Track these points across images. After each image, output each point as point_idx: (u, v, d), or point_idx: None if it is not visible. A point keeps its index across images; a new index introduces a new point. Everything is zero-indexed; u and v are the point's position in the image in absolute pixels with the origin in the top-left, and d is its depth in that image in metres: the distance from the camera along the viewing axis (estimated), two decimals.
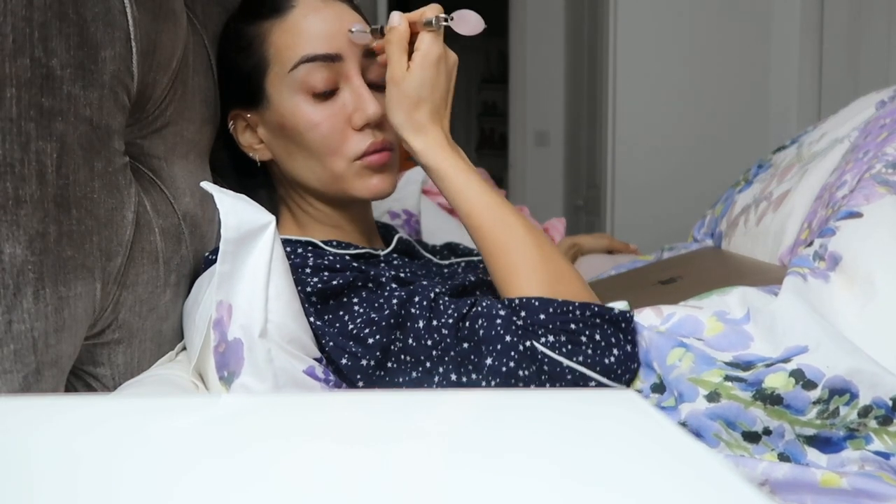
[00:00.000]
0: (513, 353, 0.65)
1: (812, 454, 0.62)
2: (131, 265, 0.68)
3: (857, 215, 0.73)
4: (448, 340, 0.67)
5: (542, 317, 0.67)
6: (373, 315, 0.69)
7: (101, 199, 0.63)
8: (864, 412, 0.61)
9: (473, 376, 0.66)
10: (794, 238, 0.92)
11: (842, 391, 0.61)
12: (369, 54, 0.82)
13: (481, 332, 0.67)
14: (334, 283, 0.72)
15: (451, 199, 0.77)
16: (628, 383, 0.67)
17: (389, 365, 0.68)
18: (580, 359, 0.65)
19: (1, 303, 0.53)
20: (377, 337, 0.68)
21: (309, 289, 0.71)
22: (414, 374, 0.67)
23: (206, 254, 0.79)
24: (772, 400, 0.62)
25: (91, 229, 0.62)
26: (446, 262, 0.94)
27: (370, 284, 0.73)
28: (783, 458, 0.62)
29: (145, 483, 0.24)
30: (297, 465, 0.26)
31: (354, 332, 0.69)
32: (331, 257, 0.77)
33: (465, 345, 0.67)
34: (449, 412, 0.32)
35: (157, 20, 0.72)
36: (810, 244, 0.75)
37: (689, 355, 0.66)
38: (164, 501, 0.23)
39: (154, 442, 0.28)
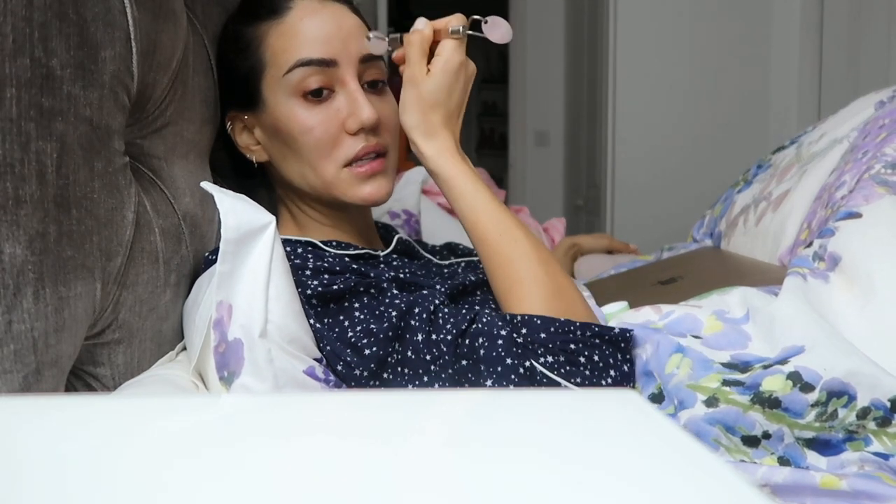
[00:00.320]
0: (513, 377, 0.65)
1: (812, 457, 0.62)
2: (131, 265, 0.68)
3: (857, 216, 0.73)
4: (447, 357, 0.67)
5: (542, 336, 0.67)
6: (372, 325, 0.69)
7: (101, 199, 0.63)
8: (863, 414, 0.61)
9: None
10: (794, 238, 0.92)
11: (840, 393, 0.61)
12: (366, 59, 0.81)
13: (482, 351, 0.66)
14: (335, 287, 0.71)
15: (457, 208, 0.76)
16: None
17: (385, 376, 0.68)
18: (578, 380, 0.65)
19: (1, 303, 0.53)
20: (374, 349, 0.68)
21: (309, 291, 0.71)
22: (410, 386, 0.68)
23: (206, 254, 0.79)
24: (770, 403, 0.62)
25: (91, 229, 0.62)
26: (446, 262, 0.94)
27: (372, 290, 0.73)
28: (783, 461, 0.62)
29: (145, 483, 0.24)
30: (297, 465, 0.26)
31: (353, 339, 0.69)
32: (330, 259, 0.77)
33: (464, 362, 0.67)
34: (449, 412, 0.32)
35: (157, 20, 0.72)
36: (810, 245, 0.75)
37: (686, 361, 0.66)
38: (164, 501, 0.23)
39: (154, 442, 0.28)
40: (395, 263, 0.85)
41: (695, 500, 0.24)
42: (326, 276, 0.73)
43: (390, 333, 0.68)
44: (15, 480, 0.24)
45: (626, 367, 0.67)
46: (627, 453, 0.28)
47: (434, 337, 0.68)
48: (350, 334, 0.69)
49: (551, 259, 0.75)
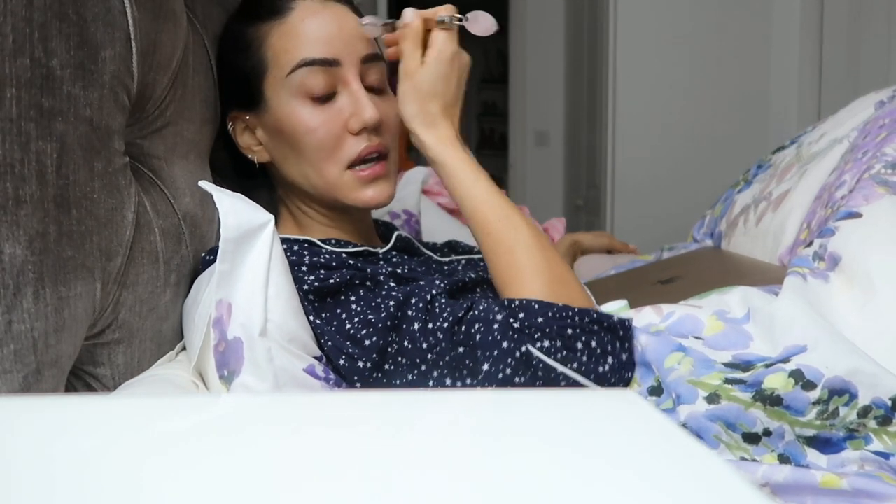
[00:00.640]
0: (509, 360, 0.65)
1: (812, 455, 0.62)
2: (131, 265, 0.68)
3: (857, 215, 0.73)
4: (444, 344, 0.67)
5: (540, 320, 0.66)
6: (370, 316, 0.69)
7: (101, 199, 0.63)
8: (864, 412, 0.61)
9: (469, 381, 0.66)
10: (794, 238, 0.92)
11: (841, 391, 0.61)
12: (367, 59, 0.82)
13: (478, 336, 0.66)
14: (331, 281, 0.72)
15: (457, 196, 0.77)
16: None
17: (386, 367, 0.68)
18: (574, 366, 0.65)
19: (1, 303, 0.53)
20: (374, 339, 0.68)
21: (306, 287, 0.71)
22: (409, 376, 0.67)
23: (203, 254, 0.79)
24: (771, 401, 0.62)
25: (91, 229, 0.62)
26: (446, 259, 0.94)
27: (368, 283, 0.73)
28: (783, 459, 0.62)
29: (145, 483, 0.24)
30: (297, 465, 0.26)
31: (352, 332, 0.69)
32: (327, 255, 0.77)
33: (461, 349, 0.66)
34: (449, 412, 0.32)
35: (157, 20, 0.72)
36: (810, 244, 0.75)
37: (688, 359, 0.66)
38: (165, 501, 0.23)
39: (154, 442, 0.28)
40: (394, 260, 0.85)
41: (695, 500, 0.24)
42: (323, 272, 0.73)
43: (388, 323, 0.68)
44: (15, 480, 0.24)
45: (624, 356, 0.67)
46: (628, 453, 0.28)
47: (430, 326, 0.68)
48: (349, 326, 0.69)
49: (551, 247, 0.76)
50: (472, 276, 0.83)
